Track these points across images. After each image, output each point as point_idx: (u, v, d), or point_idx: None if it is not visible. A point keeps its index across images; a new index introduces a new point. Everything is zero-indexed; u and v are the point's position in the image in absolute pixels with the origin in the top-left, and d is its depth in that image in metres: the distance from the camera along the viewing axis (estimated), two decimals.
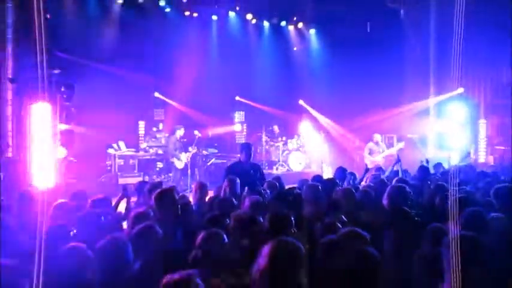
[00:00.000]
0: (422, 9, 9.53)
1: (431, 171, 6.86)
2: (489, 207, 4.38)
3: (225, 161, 11.38)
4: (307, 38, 14.00)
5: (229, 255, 3.29)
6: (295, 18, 13.44)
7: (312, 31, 13.88)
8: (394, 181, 5.50)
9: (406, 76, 11.05)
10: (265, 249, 2.62)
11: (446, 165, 7.86)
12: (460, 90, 11.34)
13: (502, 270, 3.04)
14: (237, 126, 13.36)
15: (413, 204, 4.52)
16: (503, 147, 11.11)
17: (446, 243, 2.74)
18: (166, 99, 12.31)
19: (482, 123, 11.60)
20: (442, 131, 11.53)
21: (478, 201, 4.61)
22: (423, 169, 6.67)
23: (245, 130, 13.53)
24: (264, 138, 12.69)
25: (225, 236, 3.36)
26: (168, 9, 11.84)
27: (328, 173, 8.71)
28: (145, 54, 10.95)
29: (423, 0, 9.39)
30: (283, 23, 13.63)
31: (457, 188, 4.98)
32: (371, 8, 11.38)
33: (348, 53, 11.68)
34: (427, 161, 7.58)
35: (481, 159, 11.03)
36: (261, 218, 4.00)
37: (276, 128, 12.92)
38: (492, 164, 10.39)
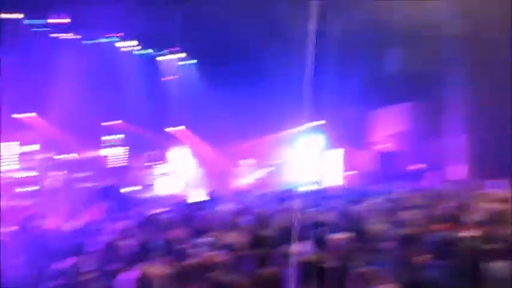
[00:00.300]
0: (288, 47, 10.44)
1: (287, 195, 7.52)
2: (335, 227, 5.00)
3: (96, 183, 11.02)
4: (186, 68, 14.38)
5: (96, 281, 3.36)
6: (176, 49, 13.76)
7: (192, 61, 14.32)
8: (255, 204, 6.01)
9: (276, 107, 11.97)
10: (132, 275, 2.80)
11: (300, 190, 8.57)
12: (321, 122, 12.66)
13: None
14: (112, 150, 13.05)
15: (269, 227, 5.01)
16: (353, 172, 12.64)
17: (290, 263, 3.12)
18: (39, 121, 11.59)
19: (337, 152, 13.01)
20: (301, 158, 12.67)
21: (325, 222, 5.22)
22: (281, 193, 7.36)
23: (121, 154, 13.27)
24: (139, 162, 12.63)
25: (90, 261, 3.43)
26: (45, 29, 11.19)
27: (198, 197, 9.00)
28: (21, 74, 10.23)
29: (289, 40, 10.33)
30: (164, 52, 13.85)
31: (307, 210, 5.63)
32: (251, 43, 12.15)
33: (225, 84, 12.32)
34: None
35: (334, 183, 12.30)
36: (131, 242, 4.13)
37: (152, 153, 12.93)
38: (344, 187, 11.66)
